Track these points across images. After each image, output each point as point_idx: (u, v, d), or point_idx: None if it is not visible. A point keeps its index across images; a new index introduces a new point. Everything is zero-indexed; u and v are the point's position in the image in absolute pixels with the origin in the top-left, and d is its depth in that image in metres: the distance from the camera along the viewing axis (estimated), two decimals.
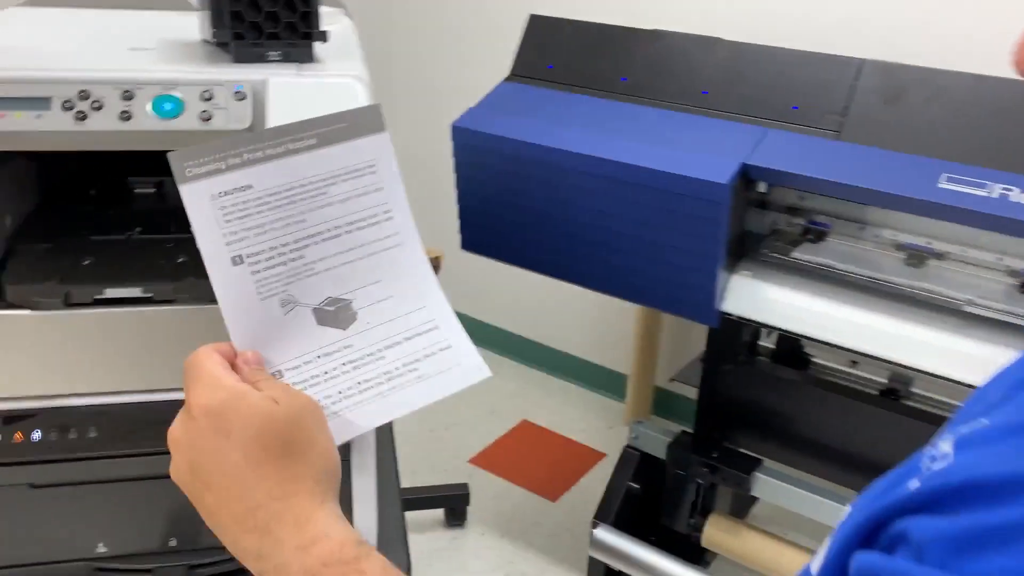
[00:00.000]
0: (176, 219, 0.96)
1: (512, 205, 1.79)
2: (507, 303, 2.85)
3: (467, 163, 1.81)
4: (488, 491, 2.32)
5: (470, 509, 2.22)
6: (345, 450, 0.90)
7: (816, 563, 0.49)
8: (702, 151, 1.59)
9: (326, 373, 0.62)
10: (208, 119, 0.75)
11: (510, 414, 2.63)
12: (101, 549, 0.91)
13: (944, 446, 0.37)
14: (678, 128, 1.67)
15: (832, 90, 1.60)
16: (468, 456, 2.46)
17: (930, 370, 1.50)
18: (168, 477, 0.89)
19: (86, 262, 0.85)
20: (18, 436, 0.84)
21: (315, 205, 0.61)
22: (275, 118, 0.77)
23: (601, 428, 2.59)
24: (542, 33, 1.92)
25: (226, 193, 0.59)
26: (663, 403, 2.57)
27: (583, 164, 1.65)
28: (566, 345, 2.76)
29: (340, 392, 0.62)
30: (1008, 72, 1.64)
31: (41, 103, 0.73)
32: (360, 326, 0.63)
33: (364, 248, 0.64)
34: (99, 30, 0.96)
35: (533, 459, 2.46)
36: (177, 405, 0.86)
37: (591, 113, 1.76)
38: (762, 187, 1.63)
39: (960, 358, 1.49)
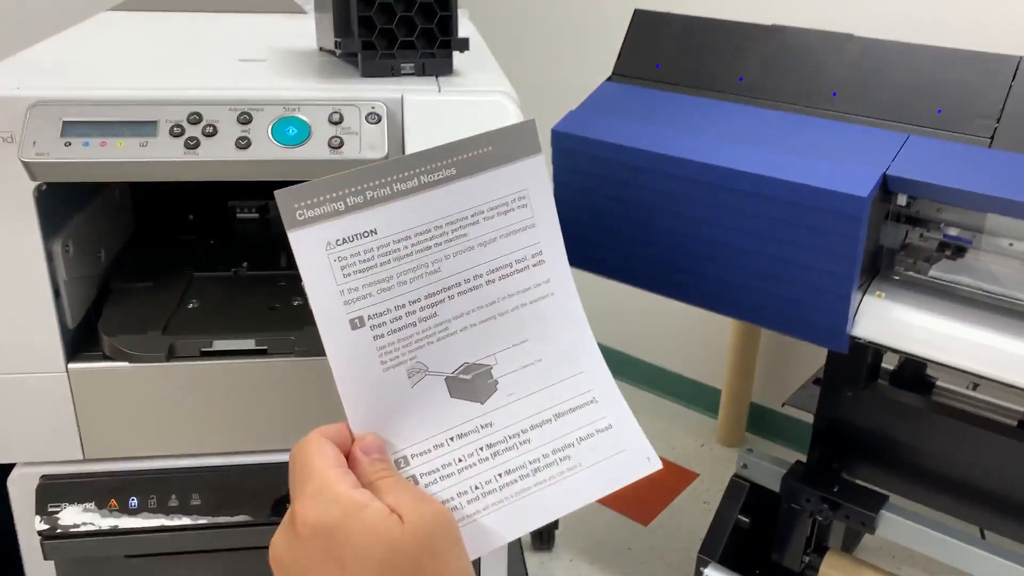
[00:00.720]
0: (287, 251, 0.85)
1: (616, 216, 1.65)
2: (591, 311, 2.72)
3: (567, 170, 1.68)
4: (576, 513, 2.19)
5: (558, 532, 2.11)
6: None
7: None
8: (836, 160, 1.44)
9: (460, 460, 0.51)
10: (339, 146, 0.63)
11: None
12: None
13: None
14: (806, 134, 1.51)
15: (985, 92, 1.43)
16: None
17: None
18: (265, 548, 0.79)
19: (190, 305, 0.74)
20: (113, 503, 0.73)
21: (453, 250, 0.50)
22: (414, 143, 0.65)
23: (692, 446, 2.45)
24: (648, 29, 1.78)
25: (345, 241, 0.48)
26: (759, 421, 2.42)
27: (698, 172, 1.51)
28: (656, 357, 2.62)
29: (477, 487, 0.51)
30: None
31: (147, 128, 0.62)
32: (501, 399, 0.52)
33: (509, 300, 0.52)
34: (201, 38, 0.85)
35: None
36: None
37: (705, 116, 1.61)
38: (902, 200, 1.47)
39: None
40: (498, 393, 0.52)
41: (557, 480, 0.51)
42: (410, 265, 0.49)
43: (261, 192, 0.92)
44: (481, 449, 0.51)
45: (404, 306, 0.49)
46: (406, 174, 0.48)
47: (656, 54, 1.74)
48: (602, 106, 1.70)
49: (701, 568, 1.70)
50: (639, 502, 2.24)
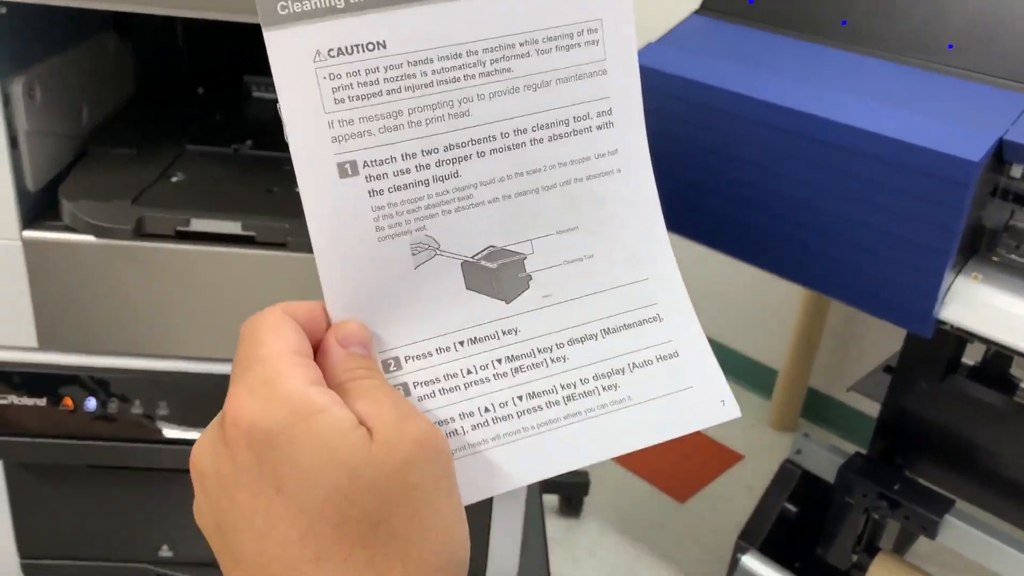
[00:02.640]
0: None
1: (691, 166, 1.50)
2: None
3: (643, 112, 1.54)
4: (609, 482, 2.09)
5: (588, 499, 2.00)
6: None
7: None
8: (946, 119, 1.27)
9: (468, 372, 0.38)
10: None
11: None
12: (165, 552, 0.71)
13: None
14: (914, 88, 1.34)
15: None
16: None
17: None
18: None
19: (174, 178, 0.62)
20: (67, 402, 0.63)
21: (490, 89, 0.37)
22: None
23: (742, 426, 2.31)
24: None
25: (342, 52, 0.35)
26: (814, 407, 2.27)
27: (787, 121, 1.35)
28: (712, 330, 2.47)
29: (487, 409, 0.38)
30: None
31: None
32: (534, 300, 0.39)
33: (559, 171, 0.39)
34: None
35: (663, 452, 2.20)
36: None
37: (801, 60, 1.45)
38: (1016, 171, 1.30)
39: None
40: (530, 292, 0.39)
41: (596, 414, 0.39)
42: (428, 100, 0.36)
43: None
44: (499, 361, 0.39)
45: (415, 155, 0.37)
46: None
47: None
48: (686, 41, 1.55)
49: (739, 555, 1.57)
50: (677, 477, 2.12)
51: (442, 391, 0.37)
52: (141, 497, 0.69)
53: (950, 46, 1.38)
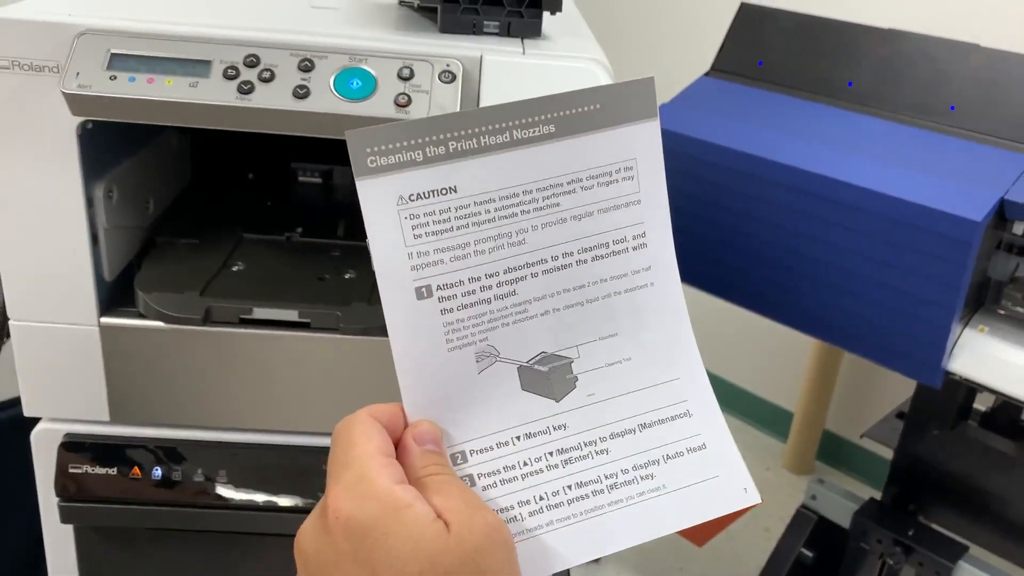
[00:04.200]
0: (346, 220, 0.79)
1: (703, 220, 1.56)
2: None
3: None
4: None
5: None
6: None
7: None
8: (950, 178, 1.32)
9: (525, 464, 0.43)
10: (405, 104, 0.56)
11: None
12: None
13: None
14: (918, 148, 1.40)
15: None
16: None
17: None
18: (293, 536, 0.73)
19: (235, 268, 0.69)
20: (136, 471, 0.69)
21: (542, 221, 0.43)
22: None
23: (758, 469, 2.33)
24: (753, 24, 1.68)
25: (420, 196, 0.41)
26: (830, 450, 2.30)
27: (797, 180, 1.40)
28: (727, 371, 2.51)
29: (542, 497, 0.43)
30: None
31: (199, 68, 0.56)
32: (580, 399, 0.44)
33: (601, 286, 0.45)
34: None
35: None
36: (324, 453, 0.69)
37: (808, 120, 1.51)
38: (1018, 228, 1.35)
39: None
40: (577, 391, 0.45)
41: (636, 501, 0.44)
42: (491, 232, 0.42)
43: (326, 155, 0.86)
44: (551, 454, 0.44)
45: (480, 279, 0.43)
46: (497, 126, 0.41)
47: (760, 51, 1.64)
48: (698, 101, 1.61)
49: None
50: None
51: (502, 481, 0.42)
52: (201, 558, 0.74)
53: (952, 107, 1.43)
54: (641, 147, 0.44)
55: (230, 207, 0.78)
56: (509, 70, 0.59)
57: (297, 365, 0.66)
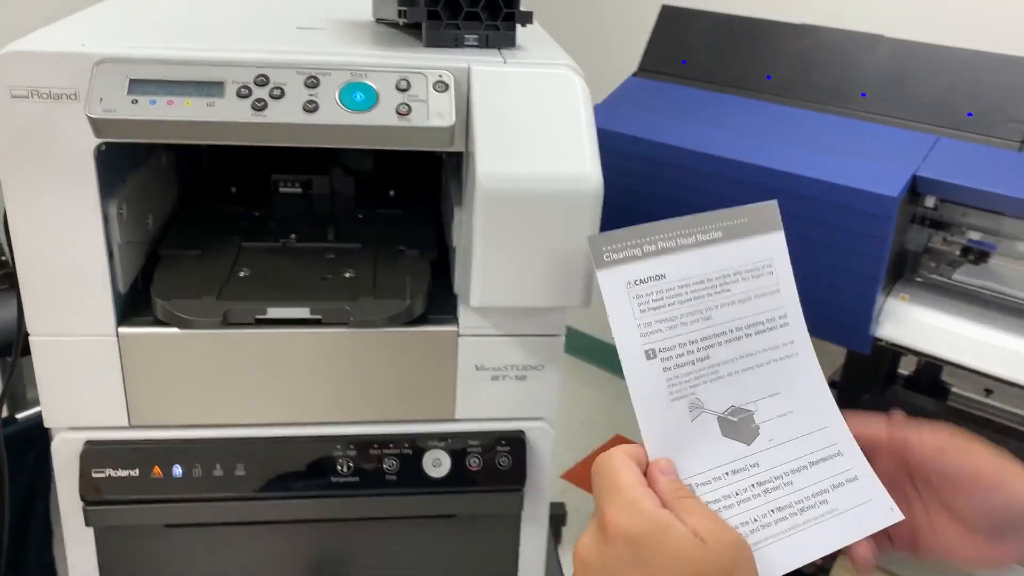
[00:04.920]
0: (333, 225, 0.84)
1: (641, 212, 1.64)
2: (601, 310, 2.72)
3: None
4: (583, 510, 2.20)
5: (565, 529, 2.11)
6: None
7: None
8: (865, 159, 1.43)
9: (736, 494, 0.54)
10: (406, 113, 0.62)
11: (603, 428, 2.51)
12: None
13: None
14: (834, 133, 1.51)
15: (1015, 96, 1.43)
16: (560, 471, 2.34)
17: None
18: (308, 522, 0.78)
19: (241, 274, 0.73)
20: (156, 471, 0.73)
21: (720, 302, 0.57)
22: (481, 113, 0.64)
23: None
24: (675, 25, 1.78)
25: (642, 281, 0.55)
26: None
27: (724, 169, 1.50)
28: None
29: (755, 519, 0.54)
30: None
31: (214, 89, 0.61)
32: (763, 443, 0.56)
33: (762, 355, 0.58)
34: (255, 6, 0.85)
35: None
36: (336, 441, 0.75)
37: (732, 113, 1.61)
38: (929, 202, 1.47)
39: None
40: (760, 437, 0.56)
41: (820, 520, 0.55)
42: (689, 309, 0.55)
43: (303, 167, 0.91)
44: (752, 486, 0.55)
45: (685, 344, 0.55)
46: (687, 231, 0.56)
47: (683, 50, 1.74)
48: (628, 100, 1.70)
49: None
50: None
51: (724, 507, 0.53)
52: (219, 550, 0.79)
53: (863, 94, 1.55)
54: (774, 251, 0.58)
55: (222, 219, 0.83)
56: (494, 78, 0.65)
57: (309, 360, 0.71)
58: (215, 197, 0.88)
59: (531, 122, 0.64)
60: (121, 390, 0.71)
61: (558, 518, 2.07)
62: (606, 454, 0.51)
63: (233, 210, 0.85)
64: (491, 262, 0.64)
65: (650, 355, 0.54)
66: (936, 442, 0.57)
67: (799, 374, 0.58)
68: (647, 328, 0.54)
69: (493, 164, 0.62)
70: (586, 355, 2.74)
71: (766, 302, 0.58)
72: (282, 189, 0.89)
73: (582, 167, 0.64)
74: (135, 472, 0.72)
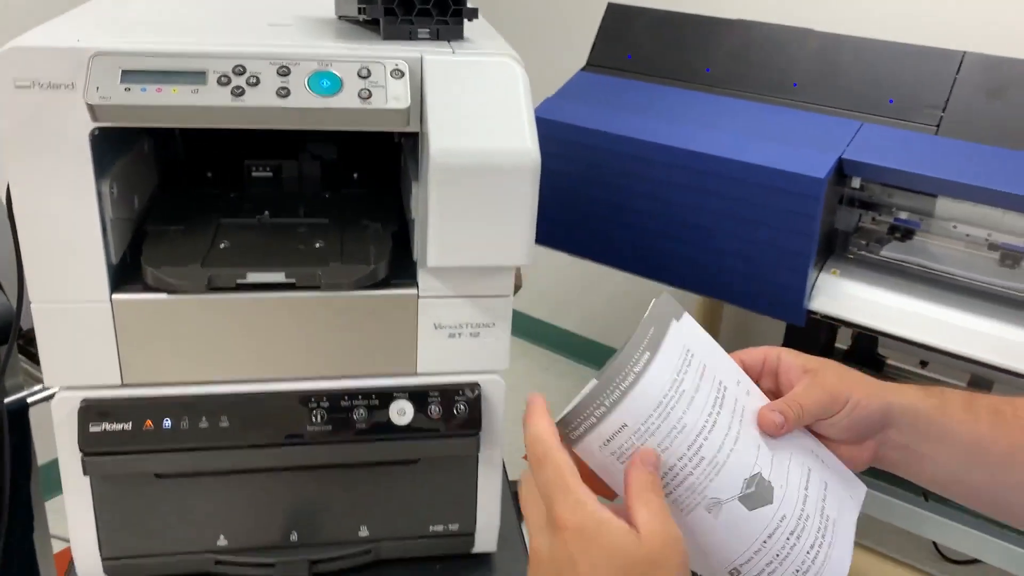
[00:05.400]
0: (302, 204, 0.93)
1: (591, 198, 1.75)
2: (563, 301, 2.82)
3: (545, 155, 1.77)
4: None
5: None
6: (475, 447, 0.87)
7: None
8: (796, 144, 1.55)
9: (777, 556, 0.59)
10: (367, 97, 0.71)
11: (560, 411, 2.60)
12: (222, 542, 0.89)
13: None
14: (769, 121, 1.62)
15: (931, 83, 1.55)
16: (521, 453, 2.43)
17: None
18: (286, 469, 0.86)
19: (222, 245, 0.82)
20: (148, 424, 0.81)
21: (682, 408, 0.58)
22: (434, 98, 0.74)
23: None
24: (620, 22, 1.88)
25: (610, 439, 0.57)
26: None
27: (668, 156, 1.61)
28: (616, 341, 2.73)
29: (798, 570, 0.59)
30: None
31: (197, 77, 0.69)
32: (779, 492, 0.59)
33: (735, 416, 0.60)
34: (227, 6, 0.93)
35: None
36: (310, 395, 0.83)
37: (675, 104, 1.72)
38: (855, 183, 1.59)
39: None
40: (776, 490, 0.59)
41: (829, 532, 0.60)
42: (662, 434, 0.57)
43: (273, 153, 1.00)
44: (787, 538, 0.58)
45: (675, 465, 0.57)
46: (622, 377, 0.57)
47: (628, 46, 1.84)
48: (577, 94, 1.80)
49: None
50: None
51: (770, 572, 0.58)
52: (204, 498, 0.87)
53: (794, 84, 1.67)
54: (686, 336, 0.60)
55: (201, 200, 0.91)
56: (444, 66, 0.75)
57: (285, 322, 0.80)
58: (193, 181, 0.96)
59: (477, 104, 0.74)
60: (115, 352, 0.79)
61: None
62: (544, 453, 0.54)
63: (210, 192, 0.93)
64: (445, 227, 0.74)
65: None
66: (799, 363, 0.63)
67: (753, 415, 0.61)
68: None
69: (445, 141, 0.71)
70: (547, 343, 2.84)
71: (707, 379, 0.60)
72: (255, 173, 0.97)
73: (522, 143, 0.73)
74: (128, 426, 0.80)
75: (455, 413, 0.85)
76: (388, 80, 0.72)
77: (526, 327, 2.89)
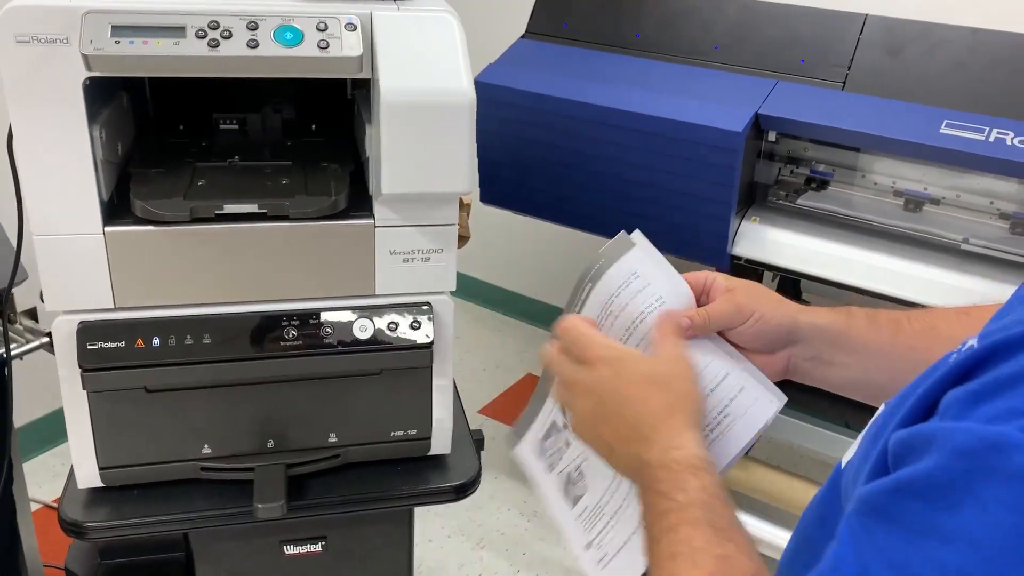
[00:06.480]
0: (268, 149, 1.04)
1: (532, 158, 1.88)
2: (511, 264, 2.95)
3: (487, 117, 1.89)
4: (499, 439, 2.42)
5: (484, 453, 2.32)
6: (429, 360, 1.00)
7: (847, 457, 0.59)
8: (717, 102, 1.69)
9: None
10: (325, 47, 0.83)
11: (515, 368, 2.74)
12: (206, 450, 1.00)
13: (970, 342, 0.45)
14: (693, 81, 1.76)
15: (838, 44, 1.70)
16: (478, 407, 2.56)
17: (928, 303, 1.62)
18: (266, 383, 0.98)
19: (200, 183, 0.93)
20: (139, 343, 0.92)
21: (613, 318, 0.71)
22: (383, 48, 0.85)
23: None
24: None
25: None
26: None
27: (602, 116, 1.74)
28: (549, 296, 2.87)
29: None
30: (1002, 25, 1.74)
31: (177, 32, 0.80)
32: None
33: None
34: None
35: (507, 399, 2.58)
36: (283, 315, 0.95)
37: (608, 68, 1.85)
38: (771, 136, 1.74)
39: (955, 292, 1.61)
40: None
41: (725, 430, 0.69)
42: (607, 326, 0.71)
43: (241, 105, 1.11)
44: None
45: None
46: (572, 304, 0.73)
47: (564, 14, 1.97)
48: (518, 60, 1.92)
49: None
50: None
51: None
52: (190, 410, 0.98)
53: (715, 47, 1.81)
54: (636, 262, 0.73)
55: (176, 148, 1.01)
56: (391, 20, 0.87)
57: (259, 249, 0.91)
58: (166, 132, 1.07)
59: (420, 53, 0.86)
60: (108, 279, 0.90)
61: (478, 443, 2.29)
62: (568, 325, 0.68)
63: (184, 141, 1.04)
64: (395, 157, 0.86)
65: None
66: (724, 283, 0.74)
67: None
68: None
69: (393, 83, 0.84)
70: (498, 306, 2.96)
71: (644, 296, 0.70)
72: (222, 126, 1.08)
73: (459, 84, 0.85)
74: (121, 344, 0.91)
75: (411, 327, 0.97)
76: (343, 32, 0.84)
77: (477, 290, 3.02)
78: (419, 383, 1.02)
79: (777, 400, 0.70)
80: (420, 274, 0.98)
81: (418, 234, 0.96)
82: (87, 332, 0.90)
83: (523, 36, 1.99)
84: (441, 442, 1.07)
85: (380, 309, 0.97)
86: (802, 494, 2.01)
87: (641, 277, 0.72)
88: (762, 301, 0.72)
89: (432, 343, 0.99)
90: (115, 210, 0.91)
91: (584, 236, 1.93)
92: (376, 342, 0.97)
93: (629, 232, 0.76)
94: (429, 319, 0.98)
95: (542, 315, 2.91)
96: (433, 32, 0.87)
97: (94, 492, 1.00)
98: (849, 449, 0.61)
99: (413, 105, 0.84)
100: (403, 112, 0.84)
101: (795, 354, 0.72)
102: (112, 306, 0.92)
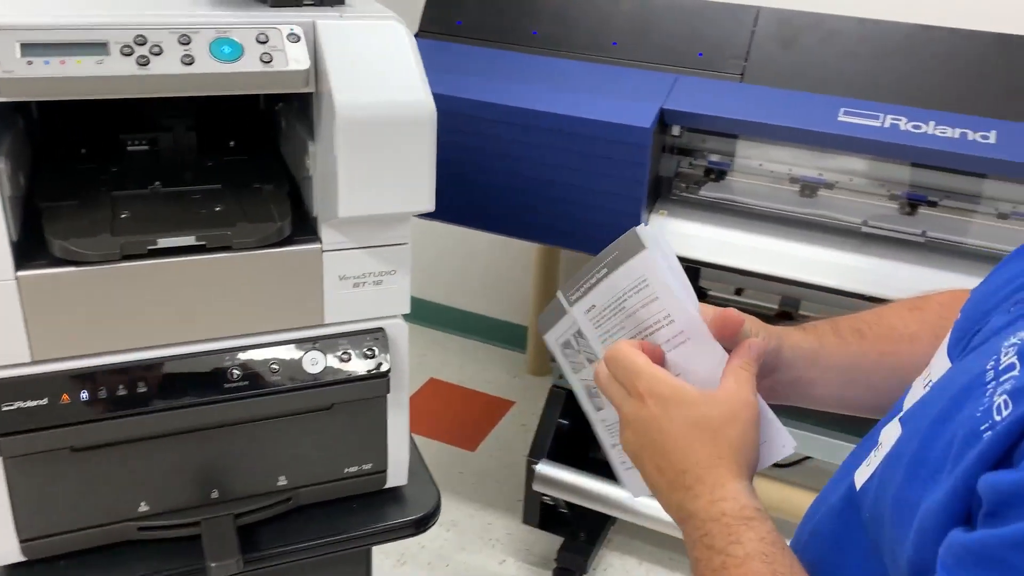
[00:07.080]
0: (188, 172, 0.95)
1: (441, 163, 1.81)
2: (418, 268, 2.87)
3: None
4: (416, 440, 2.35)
5: None
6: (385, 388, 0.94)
7: (862, 480, 0.59)
8: (622, 98, 1.68)
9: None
10: (269, 61, 0.75)
11: (417, 374, 2.67)
12: (144, 508, 0.91)
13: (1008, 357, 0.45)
14: (595, 78, 1.75)
15: (733, 37, 1.73)
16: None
17: (829, 285, 1.67)
18: (206, 429, 0.90)
19: (124, 215, 0.83)
20: (64, 398, 0.82)
21: (624, 316, 0.69)
22: (331, 59, 0.79)
23: (506, 379, 2.67)
24: None
25: (590, 310, 0.71)
26: None
27: (506, 115, 1.70)
28: (465, 304, 2.82)
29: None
30: (888, 15, 1.80)
31: (99, 48, 0.71)
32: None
33: (667, 345, 0.68)
34: None
35: (446, 414, 2.51)
36: (225, 353, 0.87)
37: (506, 66, 1.81)
38: (675, 131, 1.75)
39: (854, 271, 1.67)
40: None
41: None
42: (614, 324, 0.69)
43: (149, 125, 1.01)
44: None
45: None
46: (591, 275, 0.70)
47: (457, 12, 1.92)
48: None
49: (532, 466, 1.91)
50: (464, 432, 2.43)
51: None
52: (122, 466, 0.87)
53: (614, 43, 1.80)
54: (644, 268, 0.69)
55: (83, 176, 0.90)
56: (336, 30, 0.80)
57: (197, 284, 0.82)
58: (68, 157, 0.96)
59: (371, 63, 0.80)
60: (23, 329, 0.79)
61: None
62: (618, 354, 0.65)
63: (90, 167, 0.93)
64: (354, 178, 0.79)
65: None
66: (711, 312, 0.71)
67: (694, 354, 0.67)
68: (605, 336, 0.70)
69: (348, 97, 0.77)
70: (451, 327, 2.89)
71: (652, 308, 0.68)
72: (130, 148, 0.98)
73: (418, 95, 0.80)
74: (43, 401, 0.81)
75: (364, 356, 0.91)
76: (286, 44, 0.77)
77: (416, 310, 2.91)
78: (373, 414, 0.96)
79: (791, 443, 0.70)
80: (372, 298, 0.91)
81: (368, 256, 0.89)
82: (1, 391, 0.80)
83: (416, 35, 1.93)
84: (397, 474, 1.01)
85: (331, 339, 0.91)
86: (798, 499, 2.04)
87: (650, 287, 0.69)
88: (759, 325, 0.71)
89: (388, 371, 0.93)
90: (26, 251, 0.80)
91: (480, 236, 1.88)
92: (328, 376, 0.90)
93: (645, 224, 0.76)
94: (384, 347, 0.92)
95: (438, 316, 2.85)
96: (382, 41, 0.81)
97: (14, 568, 0.88)
98: (861, 468, 0.60)
99: (371, 120, 0.78)
100: (360, 128, 0.78)
101: (777, 379, 0.72)
102: (29, 359, 0.81)
